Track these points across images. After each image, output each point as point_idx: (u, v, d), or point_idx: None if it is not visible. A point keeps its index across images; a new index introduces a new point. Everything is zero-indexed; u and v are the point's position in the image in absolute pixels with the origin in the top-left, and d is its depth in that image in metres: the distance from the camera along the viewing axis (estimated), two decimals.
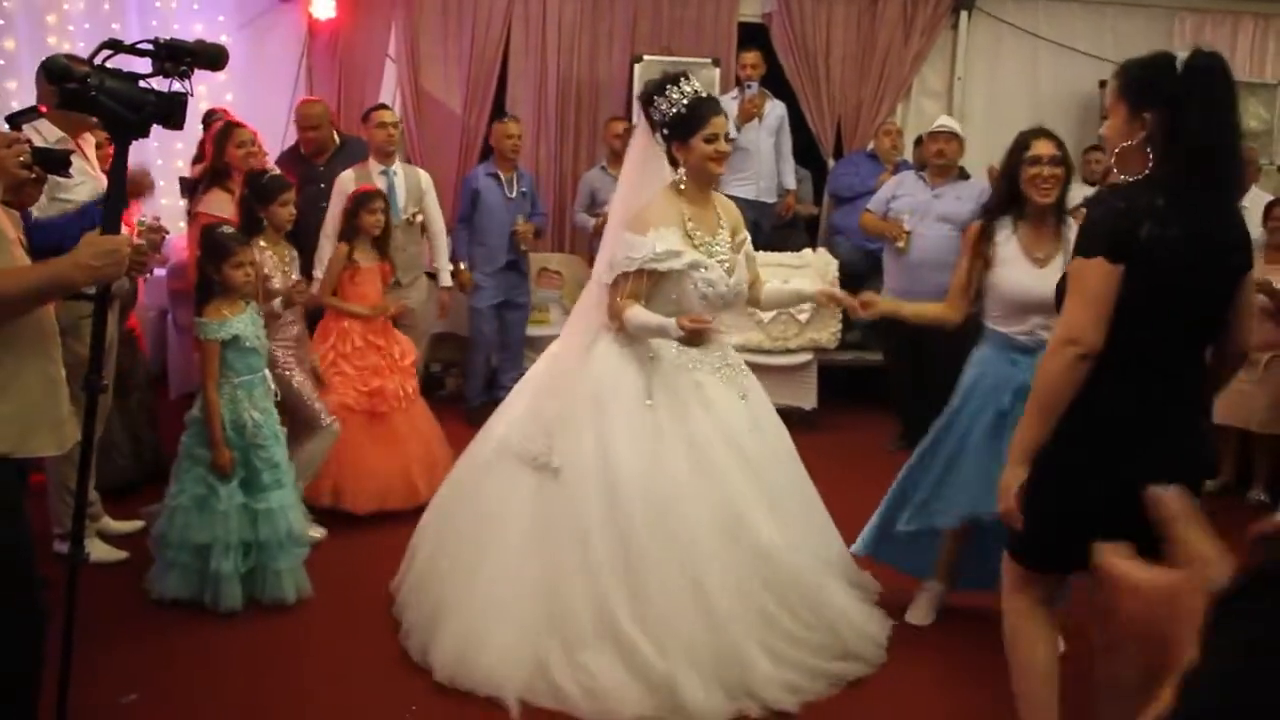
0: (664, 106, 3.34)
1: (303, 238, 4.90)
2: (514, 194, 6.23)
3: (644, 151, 3.49)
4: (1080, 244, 2.50)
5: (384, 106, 5.92)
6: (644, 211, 3.35)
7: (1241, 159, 2.68)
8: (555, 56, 7.41)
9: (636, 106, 3.50)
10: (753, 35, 7.51)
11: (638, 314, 3.28)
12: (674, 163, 3.43)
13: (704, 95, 3.38)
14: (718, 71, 7.28)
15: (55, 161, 2.78)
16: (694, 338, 3.27)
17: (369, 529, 4.60)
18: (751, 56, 6.98)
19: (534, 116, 7.33)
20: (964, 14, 7.59)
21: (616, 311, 3.33)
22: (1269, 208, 5.48)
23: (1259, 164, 6.75)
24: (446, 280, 5.82)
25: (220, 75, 7.01)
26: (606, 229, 3.65)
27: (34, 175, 2.56)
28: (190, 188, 5.61)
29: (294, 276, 4.47)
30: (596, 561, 3.23)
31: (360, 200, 4.85)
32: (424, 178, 5.72)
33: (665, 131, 3.37)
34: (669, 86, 3.33)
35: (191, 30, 6.77)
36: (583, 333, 3.54)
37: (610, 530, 3.23)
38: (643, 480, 3.25)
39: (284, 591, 3.89)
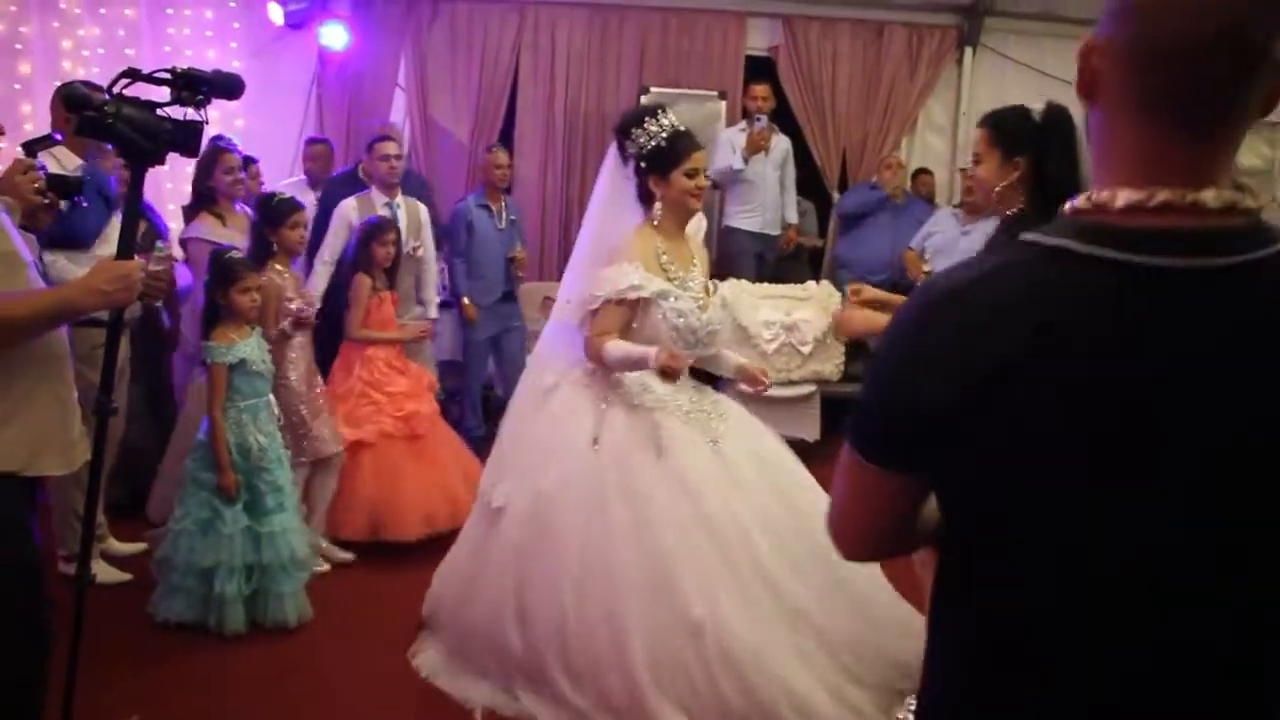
0: (642, 139, 3.28)
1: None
2: (504, 224, 6.24)
3: (613, 184, 3.43)
4: None
5: (387, 137, 5.77)
6: (617, 248, 3.29)
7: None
8: (563, 87, 7.48)
9: (612, 148, 3.41)
10: (759, 68, 7.58)
11: (616, 346, 3.22)
12: (646, 197, 3.34)
13: (682, 129, 3.31)
14: (724, 104, 7.35)
15: (69, 187, 2.81)
16: (668, 373, 3.12)
17: (374, 553, 4.60)
18: (762, 89, 7.03)
19: (541, 147, 7.40)
20: (969, 49, 7.66)
21: (595, 348, 3.25)
22: None
23: (1258, 198, 6.75)
24: (433, 313, 5.81)
25: (231, 102, 7.08)
26: (571, 265, 3.59)
27: (48, 201, 2.59)
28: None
29: (311, 300, 4.52)
30: (530, 609, 3.25)
31: (372, 231, 4.87)
32: (423, 210, 5.73)
33: (642, 165, 3.30)
34: (647, 119, 3.28)
35: (204, 57, 6.87)
36: (539, 372, 3.55)
37: (543, 577, 3.23)
38: (577, 529, 3.20)
39: (286, 615, 3.91)
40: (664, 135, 3.25)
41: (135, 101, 2.52)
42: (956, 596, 1.25)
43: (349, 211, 5.36)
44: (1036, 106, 2.93)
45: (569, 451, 3.28)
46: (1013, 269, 1.12)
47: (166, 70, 2.54)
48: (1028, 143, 2.90)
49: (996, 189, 2.97)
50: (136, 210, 2.69)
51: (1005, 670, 1.17)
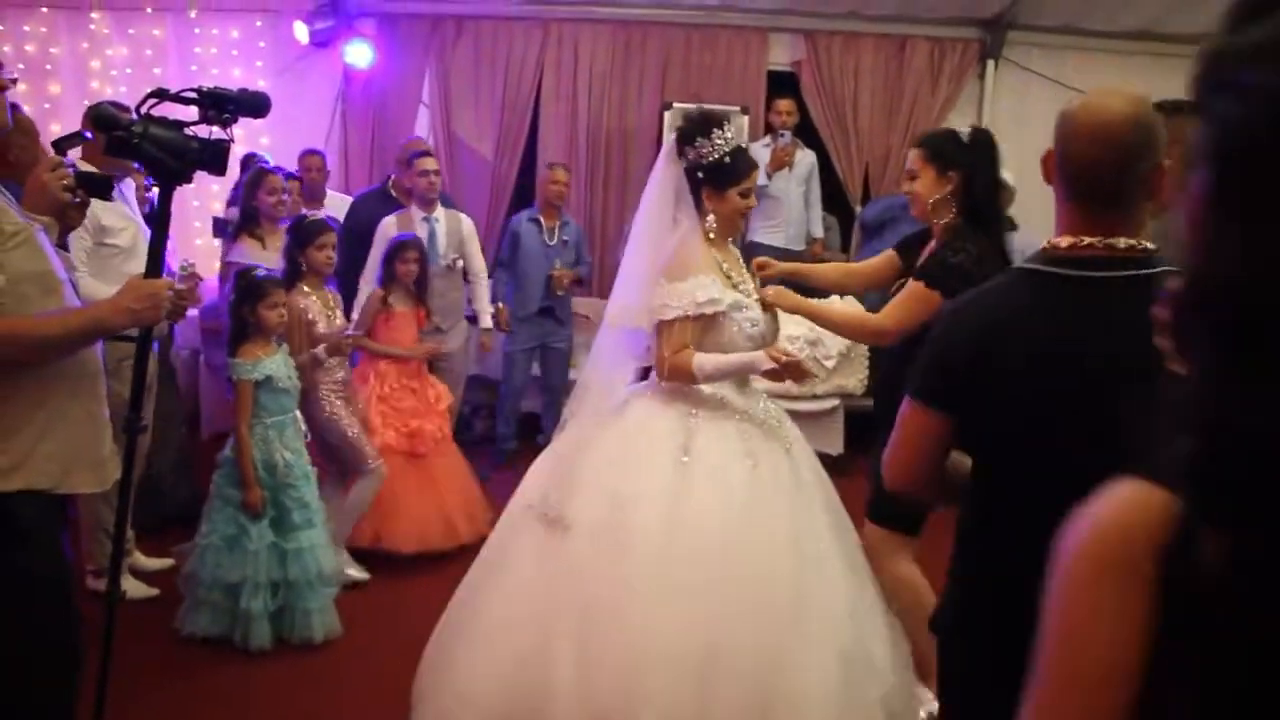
0: (705, 149, 3.15)
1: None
2: (554, 241, 6.23)
3: (671, 189, 3.25)
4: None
5: (427, 153, 5.79)
6: (682, 258, 3.15)
7: (1001, 209, 3.52)
8: (586, 103, 7.51)
9: (668, 145, 3.23)
10: (782, 83, 7.59)
11: (708, 358, 3.05)
12: (696, 206, 3.23)
13: (743, 146, 3.26)
14: (746, 119, 7.35)
15: (98, 185, 2.83)
16: (789, 371, 3.00)
17: (401, 570, 4.63)
18: (786, 104, 7.03)
19: (564, 162, 7.41)
20: (990, 63, 7.63)
21: (678, 365, 3.07)
22: None
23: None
24: (487, 322, 5.86)
25: (256, 120, 7.15)
26: (627, 272, 3.38)
27: (77, 199, 2.61)
28: (222, 228, 5.70)
29: (338, 321, 4.51)
30: (585, 635, 2.88)
31: (394, 249, 4.93)
32: (465, 223, 5.75)
33: (700, 175, 3.18)
34: (713, 130, 3.16)
35: (230, 75, 6.95)
36: (600, 384, 3.28)
37: (610, 598, 2.89)
38: (659, 546, 2.91)
39: (312, 631, 3.93)
40: (727, 150, 3.16)
41: (163, 121, 2.56)
42: (978, 507, 1.98)
43: (389, 229, 5.39)
44: (964, 129, 3.33)
45: (653, 464, 3.05)
46: (1001, 283, 1.99)
47: (193, 90, 2.57)
48: (958, 160, 3.24)
49: (931, 201, 3.27)
50: (165, 229, 2.71)
51: (1001, 552, 1.83)
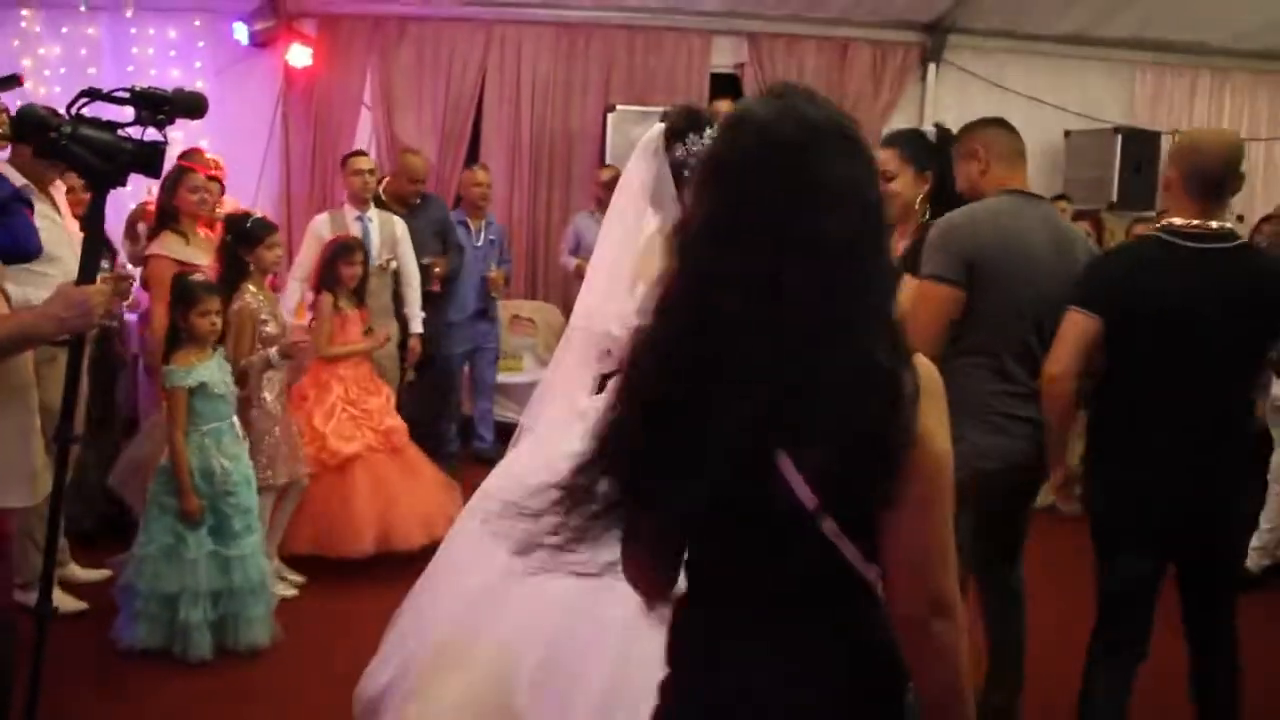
0: (694, 147, 2.98)
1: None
2: (481, 242, 6.25)
3: (647, 186, 3.08)
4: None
5: (361, 153, 5.97)
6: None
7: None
8: (529, 105, 7.48)
9: (648, 140, 3.07)
10: (724, 86, 7.61)
11: None
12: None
13: None
14: None
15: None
16: None
17: (347, 575, 4.56)
18: (727, 105, 7.05)
19: (508, 165, 7.39)
20: (932, 65, 7.73)
21: None
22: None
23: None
24: (418, 327, 5.79)
25: (196, 122, 7.03)
26: (598, 273, 3.22)
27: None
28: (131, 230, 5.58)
29: (283, 320, 4.49)
30: (556, 668, 2.67)
31: (338, 251, 4.86)
32: (399, 225, 5.71)
33: (687, 172, 2.99)
34: (708, 128, 2.99)
35: (168, 76, 6.82)
36: (568, 392, 3.13)
37: (587, 631, 2.65)
38: None
39: (255, 638, 3.87)
40: None
41: (94, 122, 2.49)
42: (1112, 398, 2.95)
43: (321, 228, 5.36)
44: (929, 129, 3.48)
45: None
46: (1142, 241, 3.23)
47: (127, 90, 2.51)
48: (930, 158, 3.35)
49: (916, 201, 3.36)
50: (98, 235, 2.65)
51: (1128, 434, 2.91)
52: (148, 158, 2.58)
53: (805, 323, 1.29)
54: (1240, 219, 6.78)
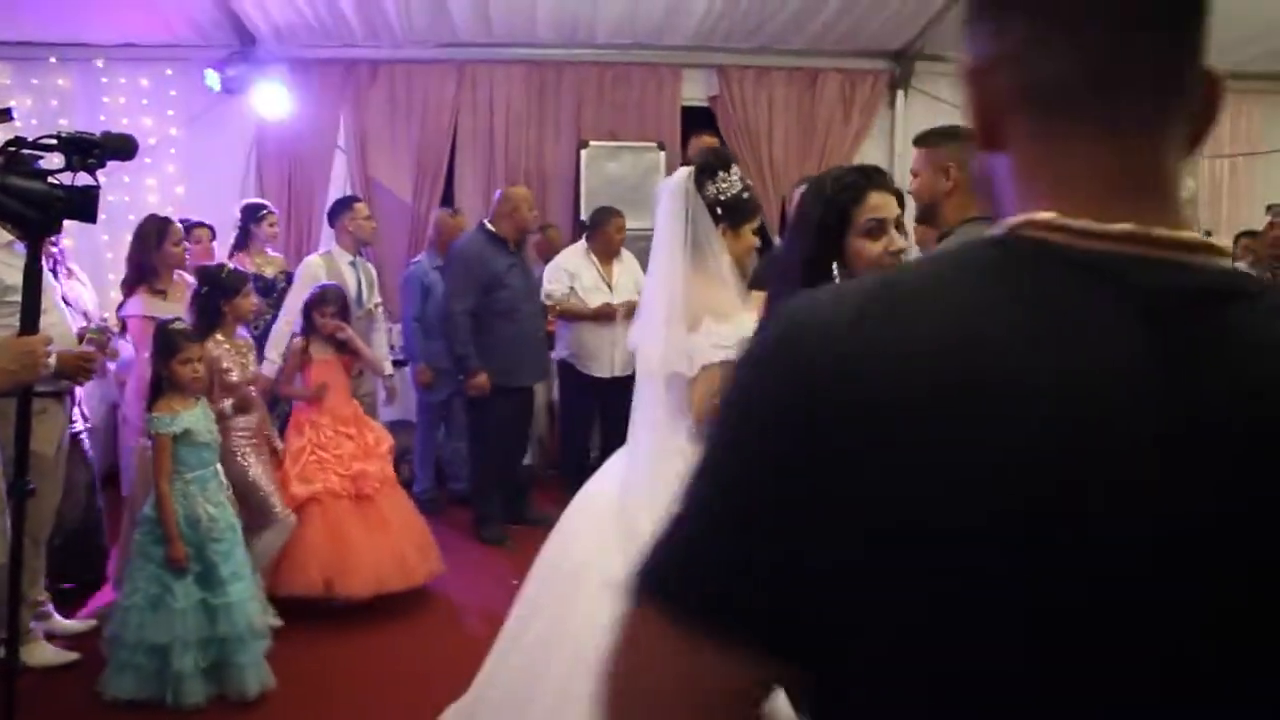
0: (723, 184, 3.05)
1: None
2: None
3: (686, 226, 3.04)
4: None
5: (357, 199, 6.16)
6: (722, 297, 2.95)
7: None
8: (503, 143, 7.53)
9: (678, 181, 3.08)
10: (697, 119, 7.66)
11: None
12: None
13: (750, 185, 3.20)
14: (663, 155, 7.40)
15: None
16: None
17: (344, 618, 4.54)
18: (708, 140, 7.06)
19: (483, 204, 7.40)
20: (900, 93, 7.81)
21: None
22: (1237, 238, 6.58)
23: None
24: (388, 368, 5.83)
25: (170, 169, 7.11)
26: (652, 317, 3.11)
27: None
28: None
29: (251, 368, 4.50)
30: None
31: (312, 300, 4.92)
32: (371, 269, 5.88)
33: (719, 211, 3.05)
34: (733, 166, 3.11)
35: (141, 125, 6.85)
36: (655, 441, 3.00)
37: None
38: None
39: (247, 686, 3.82)
40: (740, 186, 3.08)
41: (23, 171, 2.49)
42: None
43: (315, 270, 5.40)
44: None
45: None
46: None
47: (53, 136, 2.52)
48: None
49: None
50: (36, 284, 2.63)
51: None
52: (83, 204, 2.59)
53: None
54: (1209, 235, 6.79)
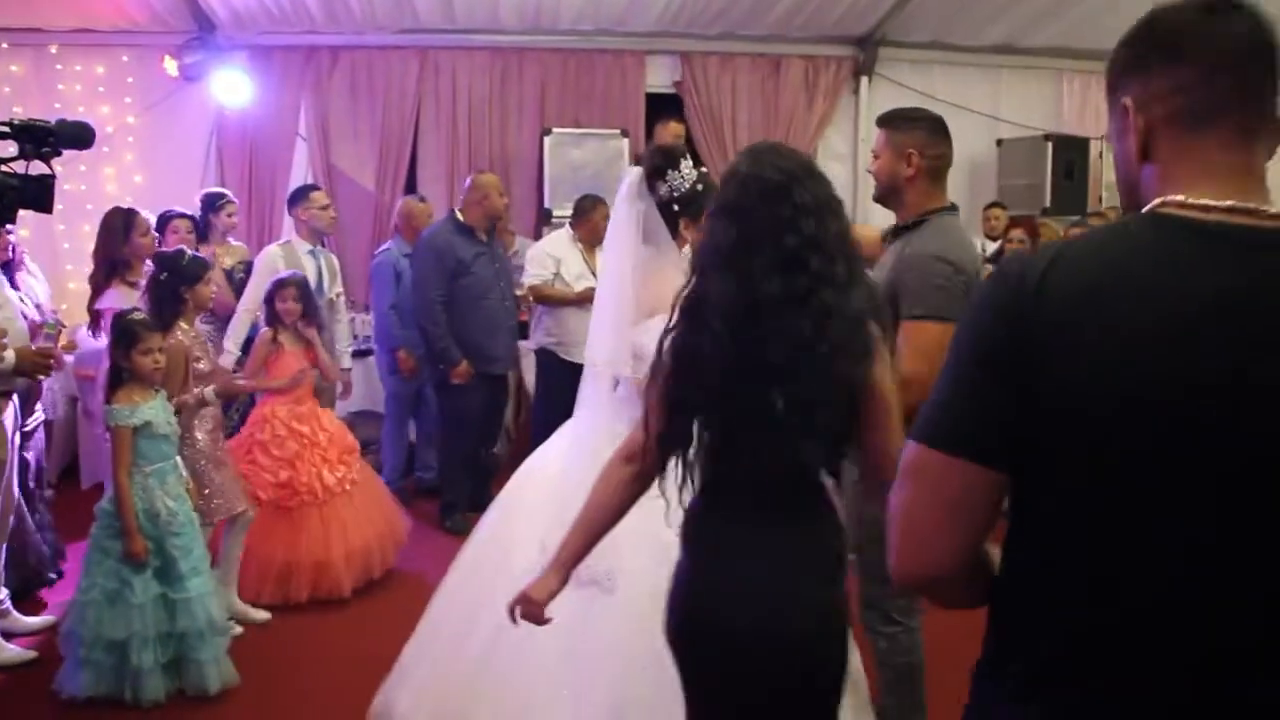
0: (675, 182, 3.12)
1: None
2: None
3: (638, 227, 3.12)
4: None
5: (316, 187, 6.06)
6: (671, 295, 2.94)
7: None
8: (466, 130, 7.47)
9: (630, 183, 3.16)
10: (663, 106, 7.64)
11: None
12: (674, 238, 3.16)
13: (706, 174, 3.22)
14: (626, 142, 7.38)
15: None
16: None
17: (301, 614, 4.53)
18: (675, 126, 7.05)
19: (445, 191, 7.36)
20: (864, 79, 7.83)
21: None
22: None
23: None
24: (347, 361, 5.81)
25: (128, 158, 7.01)
26: (604, 315, 3.18)
27: None
28: None
29: (211, 357, 4.46)
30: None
31: (273, 287, 4.84)
32: (333, 259, 5.80)
33: (676, 208, 3.14)
34: (682, 161, 3.16)
35: (98, 113, 6.75)
36: (597, 433, 3.05)
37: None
38: None
39: (207, 682, 3.78)
40: (694, 178, 3.14)
41: None
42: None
43: (274, 261, 5.35)
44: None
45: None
46: None
47: (5, 123, 2.48)
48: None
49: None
50: None
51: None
52: (37, 193, 2.55)
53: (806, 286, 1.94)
54: None
